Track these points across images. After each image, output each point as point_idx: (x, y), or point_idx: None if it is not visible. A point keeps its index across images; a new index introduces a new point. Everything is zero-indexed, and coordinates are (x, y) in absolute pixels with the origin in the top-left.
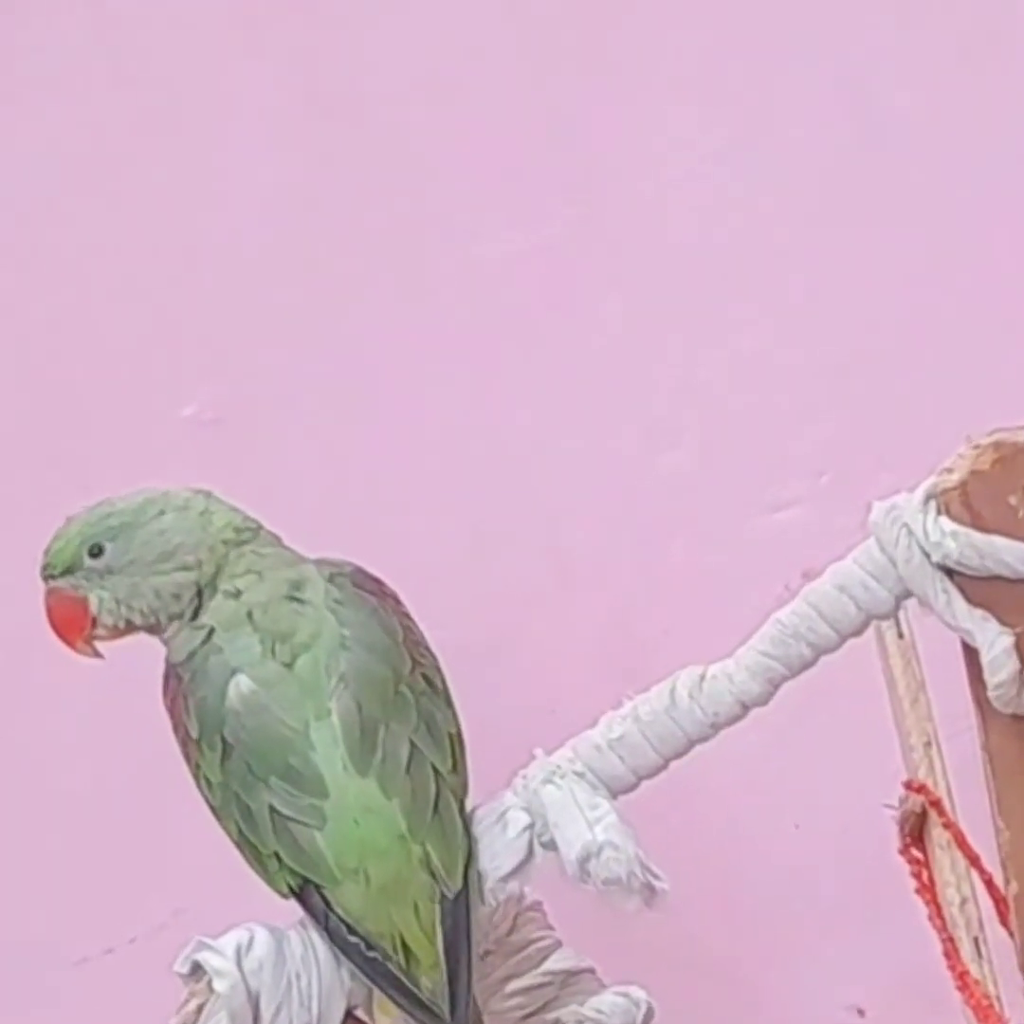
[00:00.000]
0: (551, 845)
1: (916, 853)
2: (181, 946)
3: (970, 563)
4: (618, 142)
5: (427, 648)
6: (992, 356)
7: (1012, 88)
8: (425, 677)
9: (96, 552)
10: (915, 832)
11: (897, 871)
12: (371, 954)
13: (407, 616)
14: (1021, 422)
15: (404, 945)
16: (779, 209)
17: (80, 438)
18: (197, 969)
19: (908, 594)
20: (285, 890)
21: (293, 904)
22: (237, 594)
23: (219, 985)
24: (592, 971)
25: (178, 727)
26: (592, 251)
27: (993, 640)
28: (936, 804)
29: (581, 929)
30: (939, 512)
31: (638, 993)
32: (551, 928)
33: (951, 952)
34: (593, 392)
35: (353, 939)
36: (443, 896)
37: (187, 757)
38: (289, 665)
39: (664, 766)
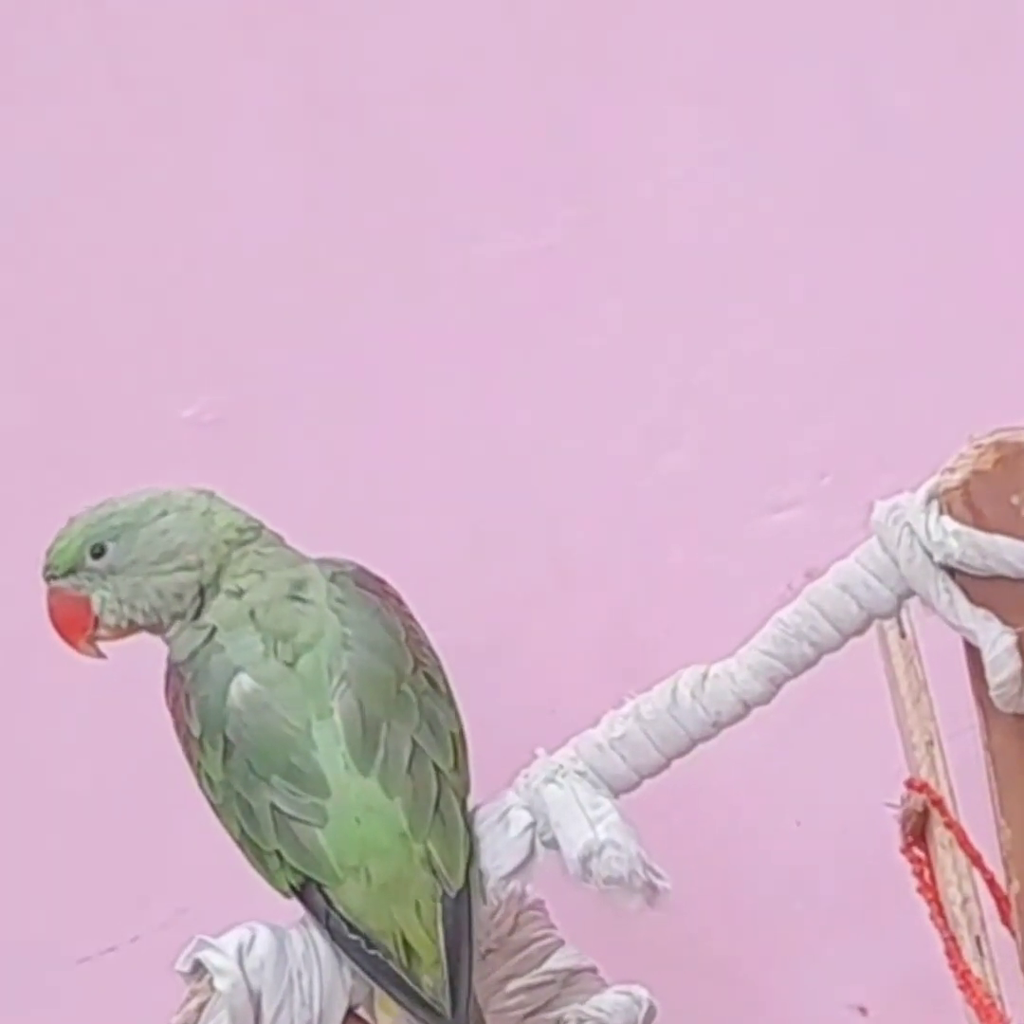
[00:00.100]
0: (553, 844)
1: (918, 852)
2: (183, 945)
3: (972, 563)
4: (618, 142)
5: (429, 648)
6: (993, 356)
7: (1012, 88)
8: (427, 676)
9: (98, 552)
10: (917, 831)
11: (899, 870)
12: (372, 952)
13: (409, 616)
14: (1023, 422)
15: (405, 943)
16: (779, 209)
17: (82, 439)
18: (199, 968)
19: (910, 593)
20: (286, 889)
21: (295, 903)
22: (239, 593)
23: (220, 984)
24: (594, 970)
25: (180, 726)
26: (592, 251)
27: (995, 639)
28: (938, 803)
29: (583, 928)
30: (941, 512)
31: (640, 992)
32: (553, 927)
33: (953, 951)
34: (594, 392)
35: (354, 937)
36: (444, 895)
37: (189, 756)
38: (291, 664)
39: (666, 765)
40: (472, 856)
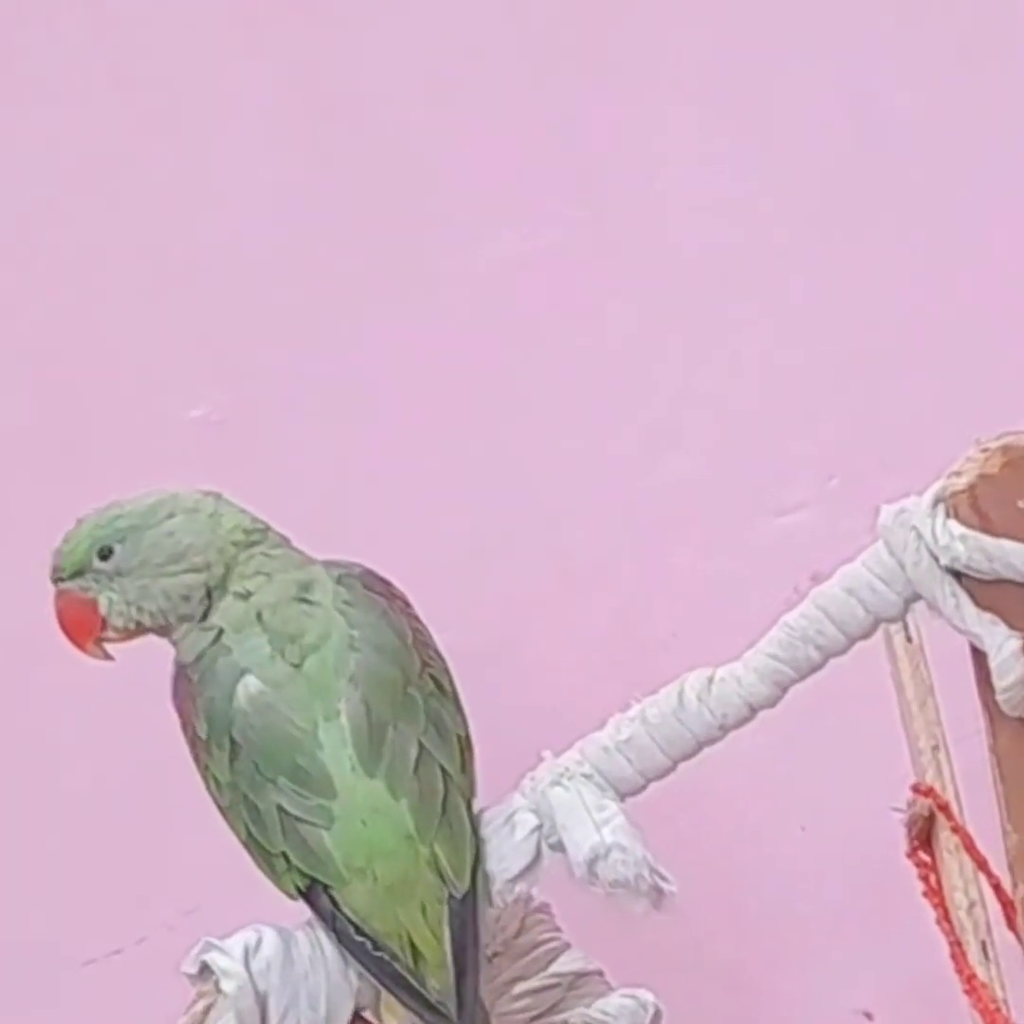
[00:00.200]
0: (559, 847)
1: (924, 856)
2: (189, 947)
3: (979, 566)
4: (619, 143)
5: (436, 650)
6: (999, 358)
7: (1012, 88)
8: (434, 679)
9: (105, 554)
10: (923, 835)
11: (905, 874)
12: (378, 954)
13: (416, 618)
14: None
15: (412, 945)
16: (782, 210)
17: (88, 440)
18: (205, 970)
19: (917, 597)
20: (293, 890)
21: (301, 905)
22: (246, 595)
23: (227, 986)
24: (600, 973)
25: (187, 727)
26: (595, 253)
27: (1001, 644)
28: (944, 808)
29: (589, 931)
30: (948, 515)
31: (646, 995)
32: (559, 930)
33: (959, 955)
34: (598, 395)
35: (360, 939)
36: (451, 897)
37: (196, 757)
38: (298, 666)
39: (672, 768)
40: (478, 859)
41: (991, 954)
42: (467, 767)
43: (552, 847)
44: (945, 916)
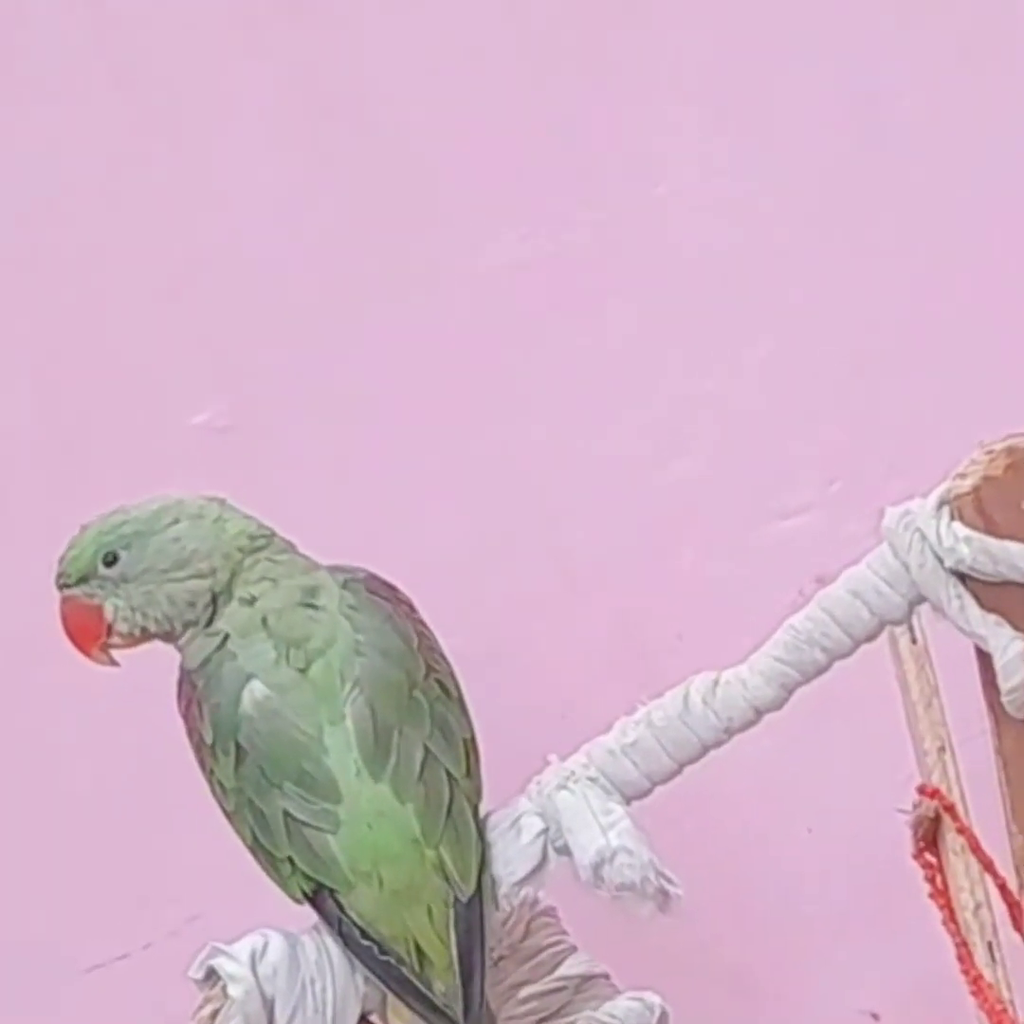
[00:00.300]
0: (565, 850)
1: (930, 858)
2: (196, 952)
3: (983, 568)
4: (619, 144)
5: (441, 654)
6: (1003, 360)
7: (1012, 88)
8: (439, 682)
9: (110, 560)
10: (929, 837)
11: (910, 876)
12: (385, 958)
13: (421, 622)
14: None
15: (418, 949)
16: (783, 212)
17: (93, 446)
18: (212, 975)
19: (921, 599)
20: (299, 895)
21: (307, 909)
22: (251, 601)
23: (233, 990)
24: (606, 976)
25: (192, 733)
26: (596, 254)
27: (1006, 645)
28: (950, 809)
29: (595, 934)
30: (952, 517)
31: (652, 998)
32: (565, 933)
33: (965, 957)
34: (602, 398)
35: (367, 943)
36: (457, 900)
37: (201, 762)
38: (303, 671)
39: (678, 771)
40: (484, 862)
41: (997, 955)
42: (473, 771)
43: (558, 850)
44: (951, 917)
